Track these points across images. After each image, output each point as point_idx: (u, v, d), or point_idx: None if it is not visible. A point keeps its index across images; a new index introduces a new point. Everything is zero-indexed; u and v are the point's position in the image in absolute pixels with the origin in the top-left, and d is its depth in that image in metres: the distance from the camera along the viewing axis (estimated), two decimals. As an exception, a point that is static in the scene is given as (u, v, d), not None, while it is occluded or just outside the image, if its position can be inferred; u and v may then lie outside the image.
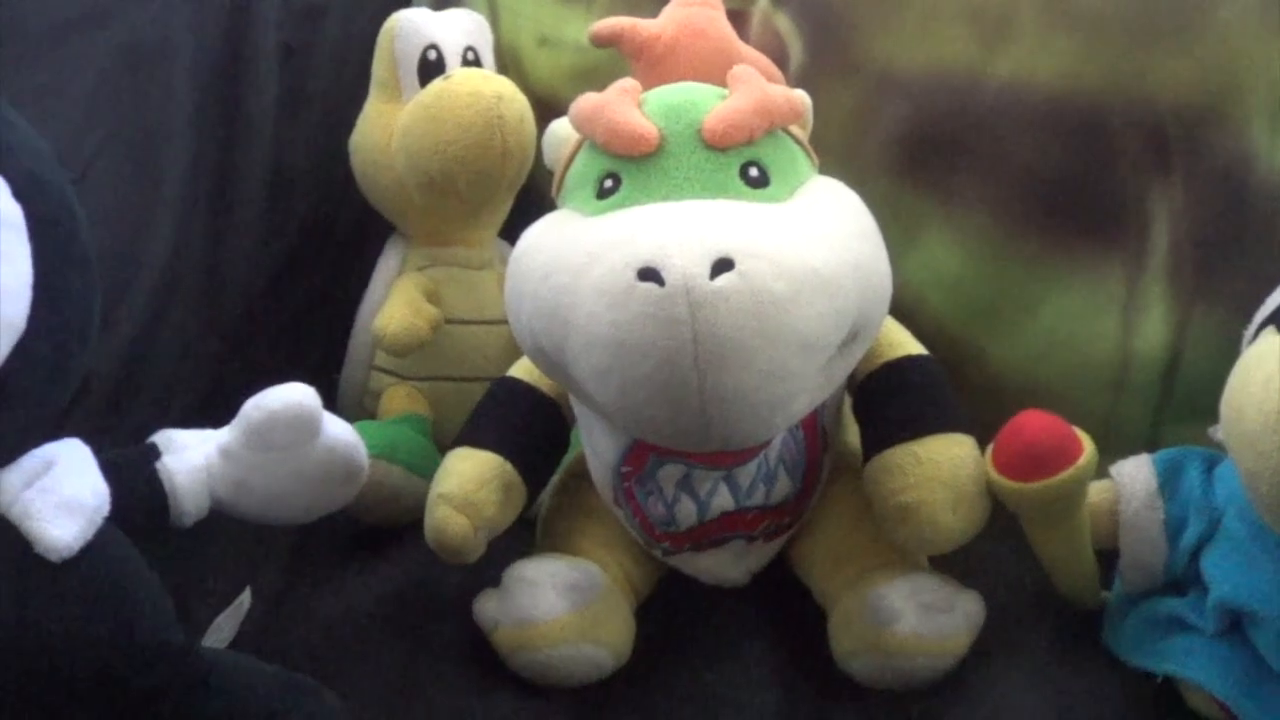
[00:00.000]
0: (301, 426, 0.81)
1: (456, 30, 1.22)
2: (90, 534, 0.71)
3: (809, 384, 0.73)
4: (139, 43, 1.09)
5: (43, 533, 0.68)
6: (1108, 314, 0.99)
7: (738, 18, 1.03)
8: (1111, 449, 0.82)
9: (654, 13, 0.98)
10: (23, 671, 0.68)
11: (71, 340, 0.71)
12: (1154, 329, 0.98)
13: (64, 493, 0.71)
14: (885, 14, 1.07)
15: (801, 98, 0.83)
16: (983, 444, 0.82)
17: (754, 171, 0.76)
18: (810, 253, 0.70)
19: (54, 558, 0.68)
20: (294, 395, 0.80)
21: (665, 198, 0.75)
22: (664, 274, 0.67)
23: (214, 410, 0.84)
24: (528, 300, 0.77)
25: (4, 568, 0.68)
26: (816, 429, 0.88)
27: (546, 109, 1.08)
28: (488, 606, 0.87)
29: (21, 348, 0.66)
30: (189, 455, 0.81)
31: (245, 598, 0.91)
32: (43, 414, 0.72)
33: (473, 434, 0.93)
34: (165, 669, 0.73)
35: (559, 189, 0.85)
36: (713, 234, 0.69)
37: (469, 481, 0.88)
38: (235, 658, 0.77)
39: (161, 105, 1.12)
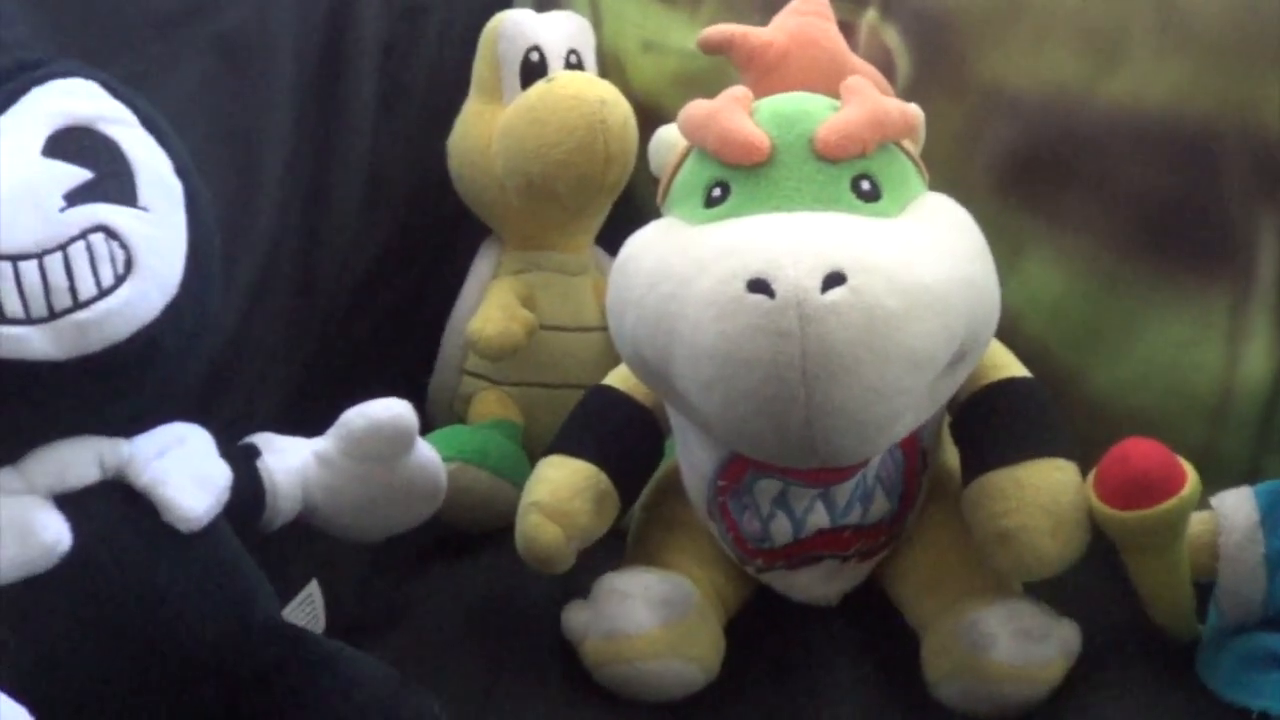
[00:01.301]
0: (399, 439, 0.85)
1: (559, 32, 1.23)
2: (217, 511, 0.74)
3: (915, 402, 0.72)
4: (239, 37, 1.10)
5: (176, 501, 0.72)
6: (1211, 342, 0.97)
7: (845, 29, 1.01)
8: (1211, 479, 0.80)
9: (758, 19, 0.98)
10: (148, 641, 0.70)
11: (207, 313, 0.76)
12: (1257, 359, 0.96)
13: (196, 467, 0.75)
14: (996, 31, 1.06)
15: (915, 111, 0.82)
16: (1080, 468, 0.81)
17: (865, 185, 0.76)
18: (922, 269, 0.69)
19: (184, 528, 0.72)
20: (396, 408, 0.84)
21: (775, 208, 0.74)
22: (774, 286, 0.66)
23: (303, 409, 0.85)
24: (632, 308, 0.76)
25: (133, 536, 0.71)
26: (916, 449, 0.87)
27: (648, 114, 1.08)
28: (577, 617, 0.87)
29: (172, 307, 0.71)
30: (287, 457, 0.84)
31: (314, 590, 0.92)
32: (178, 382, 0.76)
33: (566, 442, 0.92)
34: (279, 649, 0.76)
35: (665, 196, 0.85)
36: (825, 247, 0.68)
37: (562, 490, 0.87)
38: (347, 649, 0.79)
39: (261, 102, 1.12)
